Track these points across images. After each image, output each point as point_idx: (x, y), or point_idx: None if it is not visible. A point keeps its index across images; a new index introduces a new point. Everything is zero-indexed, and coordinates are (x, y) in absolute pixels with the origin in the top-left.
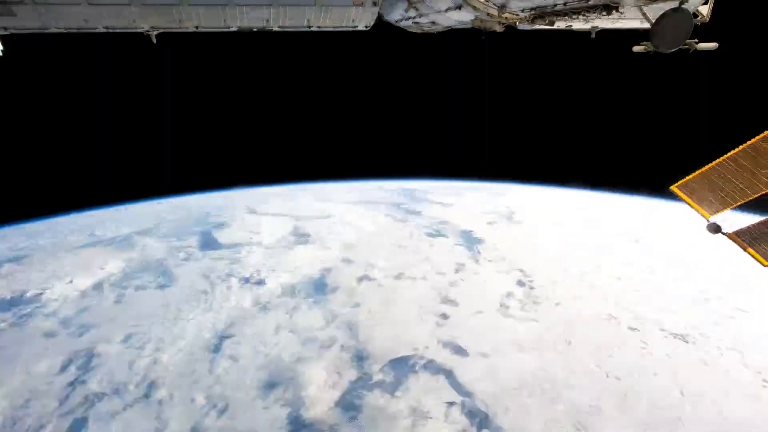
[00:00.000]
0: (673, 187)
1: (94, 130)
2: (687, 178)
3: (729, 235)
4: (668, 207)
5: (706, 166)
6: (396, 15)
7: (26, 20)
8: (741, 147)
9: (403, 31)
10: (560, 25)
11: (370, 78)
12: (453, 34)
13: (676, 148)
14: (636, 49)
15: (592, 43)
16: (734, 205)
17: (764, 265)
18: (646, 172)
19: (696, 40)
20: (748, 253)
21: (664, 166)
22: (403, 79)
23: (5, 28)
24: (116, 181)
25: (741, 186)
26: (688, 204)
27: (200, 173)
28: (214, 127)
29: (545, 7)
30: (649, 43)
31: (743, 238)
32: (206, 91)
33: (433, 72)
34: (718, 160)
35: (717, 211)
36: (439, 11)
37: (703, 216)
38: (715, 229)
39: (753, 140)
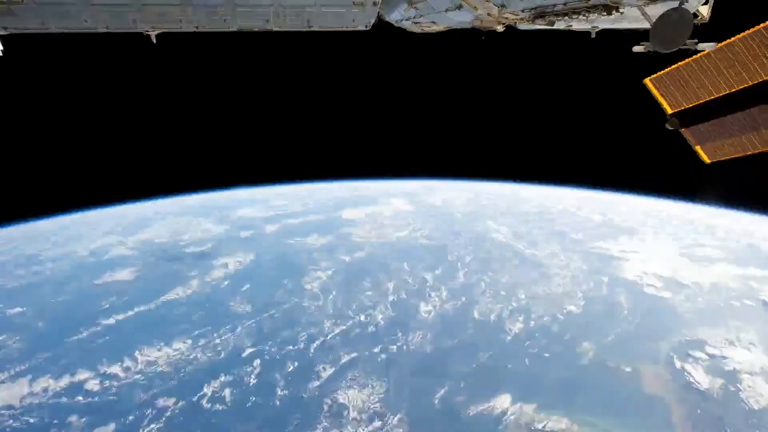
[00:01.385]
0: (646, 80)
1: (94, 130)
2: (662, 72)
3: (684, 131)
4: (672, 206)
5: (682, 62)
6: (396, 15)
7: (26, 20)
8: (720, 44)
9: (403, 31)
10: (560, 25)
11: (370, 78)
12: (453, 34)
13: (674, 148)
14: (636, 49)
15: (592, 43)
16: (696, 103)
17: (706, 162)
18: (645, 172)
19: (696, 40)
20: (696, 150)
21: (663, 165)
22: (403, 79)
23: (5, 28)
24: (116, 182)
25: (708, 84)
26: (655, 96)
27: (200, 173)
28: (214, 127)
29: (545, 7)
30: (648, 43)
31: (695, 135)
32: (206, 92)
33: (433, 72)
34: (694, 57)
35: (680, 106)
36: (439, 11)
37: (665, 110)
38: (674, 124)
39: (733, 39)
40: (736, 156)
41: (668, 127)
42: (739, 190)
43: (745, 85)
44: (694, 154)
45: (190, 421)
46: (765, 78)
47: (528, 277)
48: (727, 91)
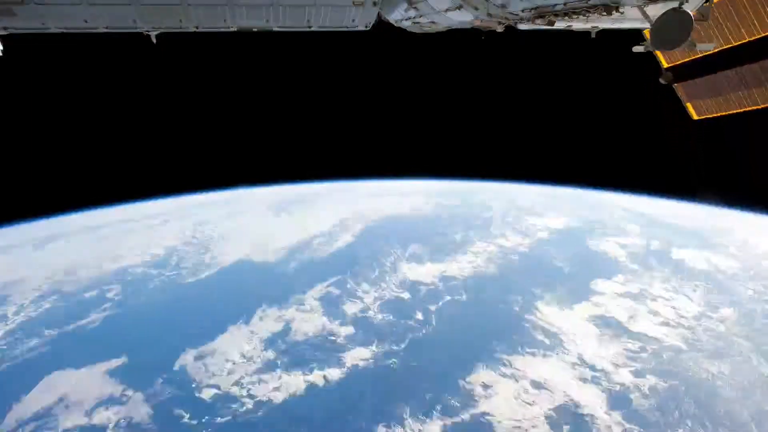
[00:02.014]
0: (646, 32)
1: (93, 131)
2: None
3: (676, 86)
4: (673, 206)
5: None
6: (396, 15)
7: (26, 20)
8: None
9: (403, 31)
10: (560, 25)
11: (370, 78)
12: (453, 34)
13: (674, 147)
14: (636, 49)
15: (592, 43)
16: (692, 57)
17: (694, 118)
18: (645, 171)
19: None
20: (686, 106)
21: (664, 165)
22: (402, 79)
23: (5, 28)
24: (115, 182)
25: (704, 38)
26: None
27: (200, 173)
28: (214, 127)
29: (545, 7)
30: (649, 43)
31: (687, 90)
32: (206, 92)
33: (433, 72)
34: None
35: (676, 61)
36: (439, 11)
37: (661, 63)
38: (668, 78)
39: None
40: (725, 113)
41: (662, 81)
42: (739, 190)
43: (743, 41)
44: (684, 110)
45: None
46: (763, 34)
47: None
48: (725, 47)
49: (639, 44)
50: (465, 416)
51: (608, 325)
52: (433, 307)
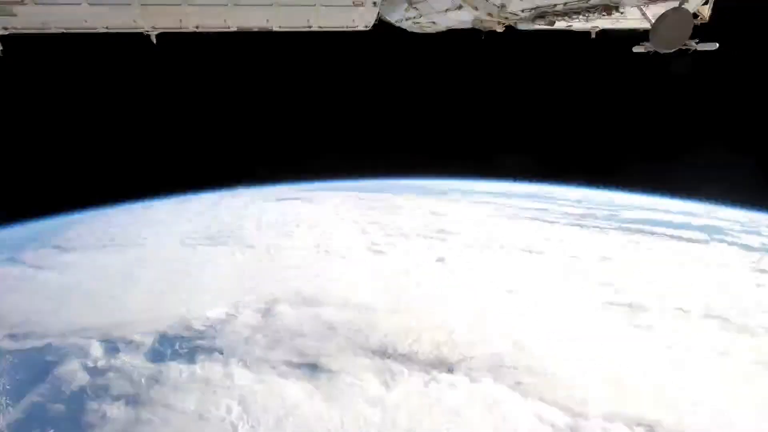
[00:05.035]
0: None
1: (93, 131)
2: None
3: None
4: (667, 204)
5: None
6: (396, 15)
7: (26, 20)
8: None
9: (403, 31)
10: (560, 25)
11: (370, 78)
12: (453, 34)
13: (675, 147)
14: (636, 49)
15: (592, 43)
16: None
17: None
18: (646, 171)
19: (696, 40)
20: None
21: (664, 164)
22: (402, 79)
23: (5, 28)
24: (115, 182)
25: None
26: None
27: (200, 173)
28: (214, 128)
29: (545, 7)
30: (648, 43)
31: None
32: (206, 92)
33: (433, 72)
34: None
35: None
36: (439, 11)
37: None
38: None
39: None
40: None
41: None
42: (739, 188)
43: None
44: None
45: None
46: None
47: None
48: None
49: (639, 44)
50: None
51: None
52: None
